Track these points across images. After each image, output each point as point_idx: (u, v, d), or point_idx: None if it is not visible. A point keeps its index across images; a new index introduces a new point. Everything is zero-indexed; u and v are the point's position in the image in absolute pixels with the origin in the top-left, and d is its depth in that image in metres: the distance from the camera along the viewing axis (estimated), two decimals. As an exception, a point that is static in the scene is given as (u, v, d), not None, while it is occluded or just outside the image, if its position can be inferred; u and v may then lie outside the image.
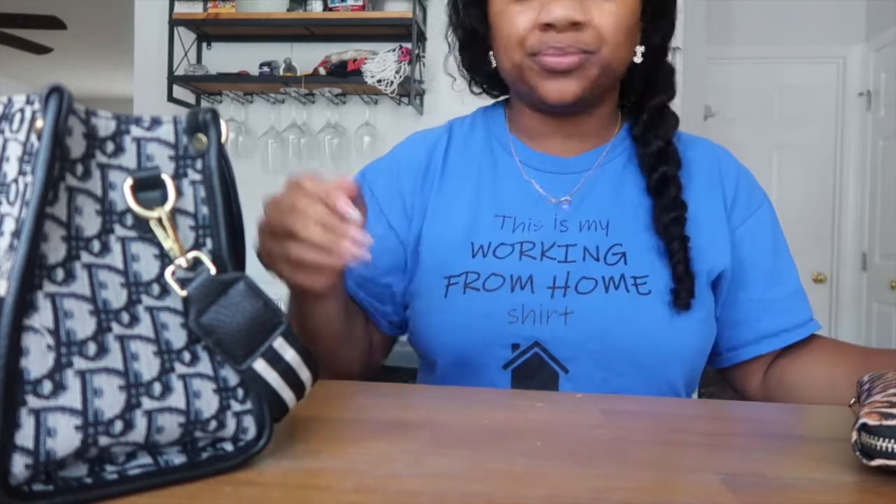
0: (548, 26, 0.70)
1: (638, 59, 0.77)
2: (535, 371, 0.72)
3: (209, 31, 2.82)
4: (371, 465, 0.40)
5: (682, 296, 0.71)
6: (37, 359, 0.31)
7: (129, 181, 0.36)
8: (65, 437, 0.31)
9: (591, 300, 0.72)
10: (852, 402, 0.50)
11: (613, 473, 0.40)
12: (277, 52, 2.75)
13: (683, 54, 2.66)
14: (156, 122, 0.37)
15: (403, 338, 0.85)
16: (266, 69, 2.69)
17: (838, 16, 3.58)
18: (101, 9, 4.76)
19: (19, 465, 0.30)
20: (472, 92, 0.89)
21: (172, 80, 2.69)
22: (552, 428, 0.50)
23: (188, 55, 2.78)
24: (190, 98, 2.85)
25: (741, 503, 0.36)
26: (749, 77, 3.66)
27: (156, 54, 2.77)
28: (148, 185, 0.36)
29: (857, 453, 0.40)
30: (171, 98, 2.70)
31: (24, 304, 0.31)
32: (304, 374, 0.39)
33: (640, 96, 0.81)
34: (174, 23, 2.69)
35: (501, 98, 0.89)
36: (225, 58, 2.83)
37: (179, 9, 2.69)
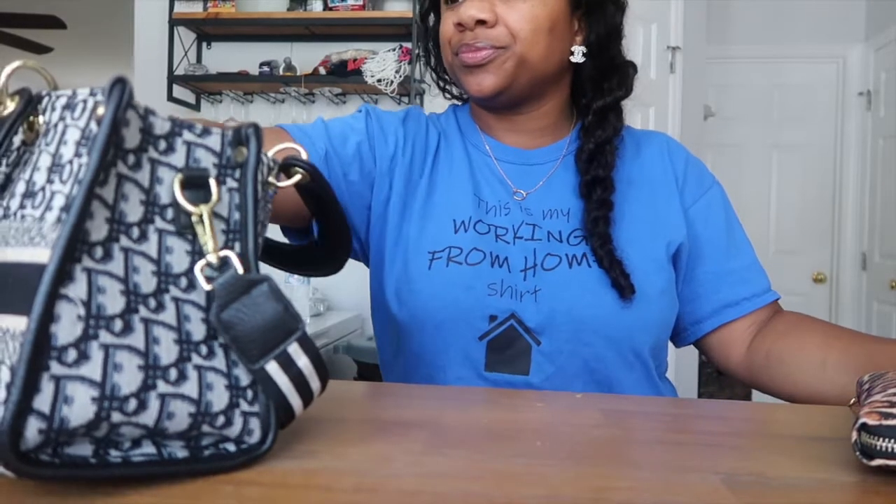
0: (460, 26, 0.77)
1: (577, 59, 0.81)
2: (509, 343, 0.75)
3: (209, 30, 2.82)
4: (371, 465, 0.40)
5: (620, 285, 0.74)
6: (66, 327, 0.32)
7: (179, 176, 0.38)
8: (80, 406, 0.32)
9: (556, 276, 0.76)
10: (852, 401, 0.50)
11: (613, 473, 0.40)
12: (277, 52, 2.75)
13: (683, 54, 2.66)
14: (206, 131, 0.40)
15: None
16: (266, 69, 2.69)
17: (838, 16, 3.58)
18: (101, 9, 4.76)
19: (32, 430, 0.30)
20: (444, 97, 0.95)
21: (172, 79, 2.69)
22: (552, 428, 0.50)
23: (188, 55, 2.78)
24: (190, 98, 2.85)
25: (741, 503, 0.36)
26: (749, 76, 3.66)
27: (156, 54, 2.77)
28: (194, 184, 0.38)
29: (857, 453, 0.40)
30: (171, 97, 2.70)
31: (63, 273, 0.32)
32: (315, 383, 0.40)
33: (590, 97, 0.84)
34: (174, 22, 2.69)
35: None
36: (225, 57, 2.83)
37: (179, 8, 2.69)
